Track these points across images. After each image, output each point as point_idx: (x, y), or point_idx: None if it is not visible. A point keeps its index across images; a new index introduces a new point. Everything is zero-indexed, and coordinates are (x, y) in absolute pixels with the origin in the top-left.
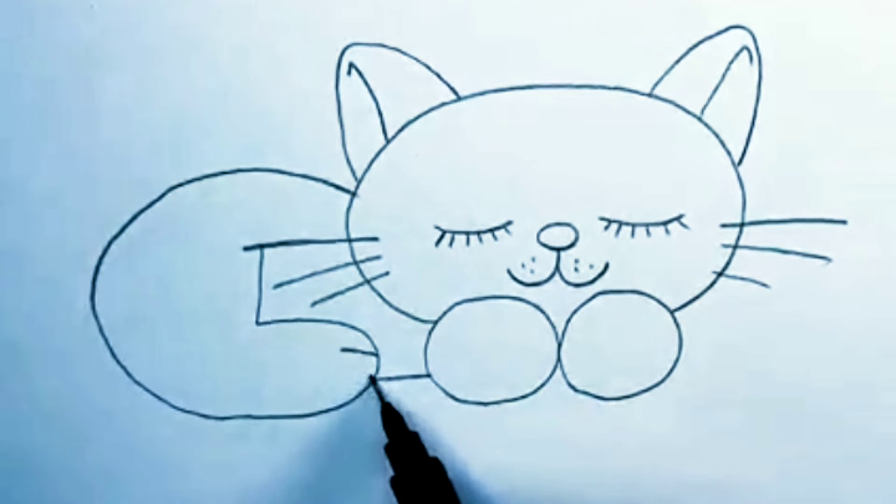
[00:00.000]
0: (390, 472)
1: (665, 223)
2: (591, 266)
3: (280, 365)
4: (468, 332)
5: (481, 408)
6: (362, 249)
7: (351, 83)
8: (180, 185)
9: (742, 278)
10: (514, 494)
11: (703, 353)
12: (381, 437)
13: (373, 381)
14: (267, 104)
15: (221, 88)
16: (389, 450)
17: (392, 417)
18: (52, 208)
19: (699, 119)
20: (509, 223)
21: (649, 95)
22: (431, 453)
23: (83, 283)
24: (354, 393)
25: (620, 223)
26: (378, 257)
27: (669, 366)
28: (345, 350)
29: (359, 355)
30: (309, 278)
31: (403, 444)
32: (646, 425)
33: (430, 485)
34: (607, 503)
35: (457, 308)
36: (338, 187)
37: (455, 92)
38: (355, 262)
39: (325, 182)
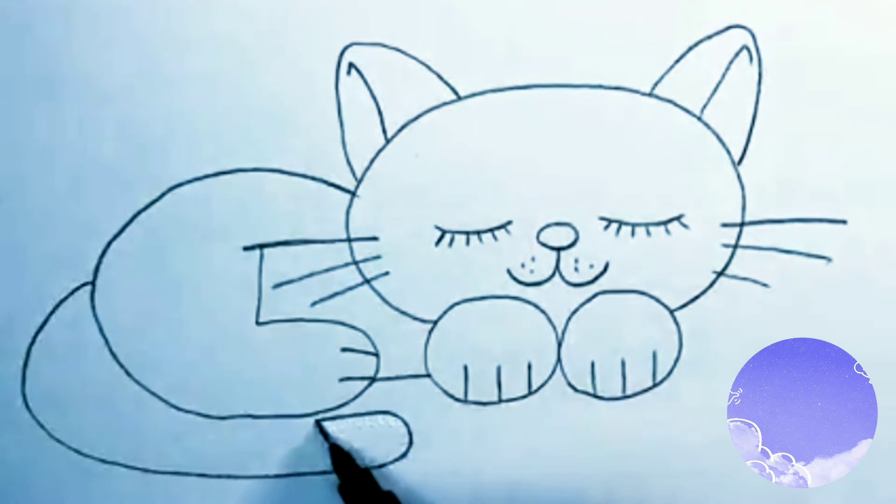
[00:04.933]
0: None
1: (665, 223)
2: (592, 266)
3: (280, 365)
4: (468, 332)
5: (481, 408)
6: (362, 249)
7: (351, 83)
8: (180, 185)
9: (742, 278)
10: (514, 494)
11: (703, 353)
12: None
13: (318, 424)
14: (267, 104)
15: (221, 88)
16: (343, 491)
17: (341, 457)
18: (51, 208)
19: (699, 119)
20: (509, 223)
21: (649, 95)
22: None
23: (83, 283)
24: (354, 393)
25: (620, 223)
26: (378, 257)
27: (669, 366)
28: (345, 350)
29: (359, 355)
30: (309, 278)
31: (356, 483)
32: (645, 425)
33: None
34: (607, 503)
35: (457, 308)
36: (338, 187)
37: (455, 92)
38: (355, 262)
39: (325, 182)
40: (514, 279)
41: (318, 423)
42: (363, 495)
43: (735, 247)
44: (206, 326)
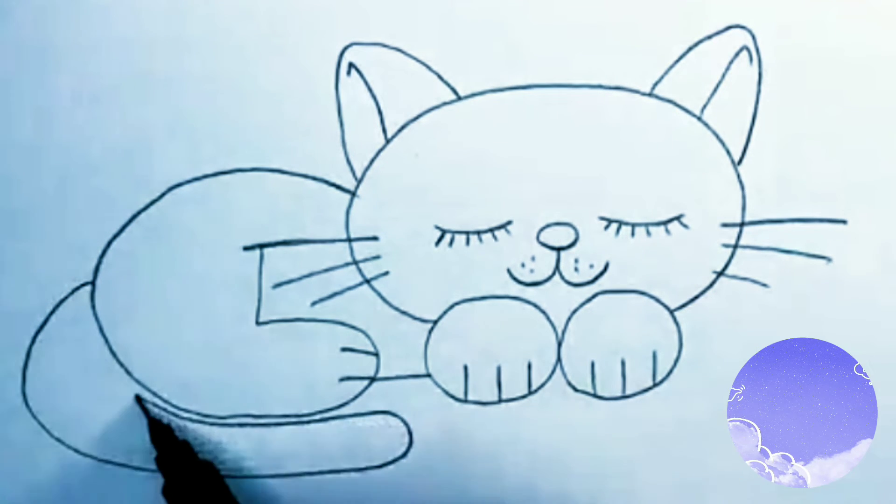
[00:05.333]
0: None
1: (665, 223)
2: (592, 266)
3: (280, 365)
4: (468, 332)
5: (481, 408)
6: (362, 249)
7: (351, 83)
8: (180, 185)
9: (742, 278)
10: (514, 494)
11: (703, 353)
12: None
13: (138, 399)
14: (267, 104)
15: (221, 88)
16: (159, 461)
17: (160, 431)
18: (52, 208)
19: (699, 119)
20: (509, 223)
21: (649, 95)
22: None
23: (83, 283)
24: (354, 393)
25: (620, 223)
26: (378, 257)
27: (669, 366)
28: (345, 350)
29: (359, 355)
30: (309, 278)
31: (174, 455)
32: (645, 425)
33: (204, 489)
34: (607, 503)
35: (457, 308)
36: (338, 187)
37: (455, 92)
38: (355, 262)
39: (325, 182)
40: (515, 279)
41: (138, 398)
42: (181, 466)
43: (735, 247)
44: (206, 326)
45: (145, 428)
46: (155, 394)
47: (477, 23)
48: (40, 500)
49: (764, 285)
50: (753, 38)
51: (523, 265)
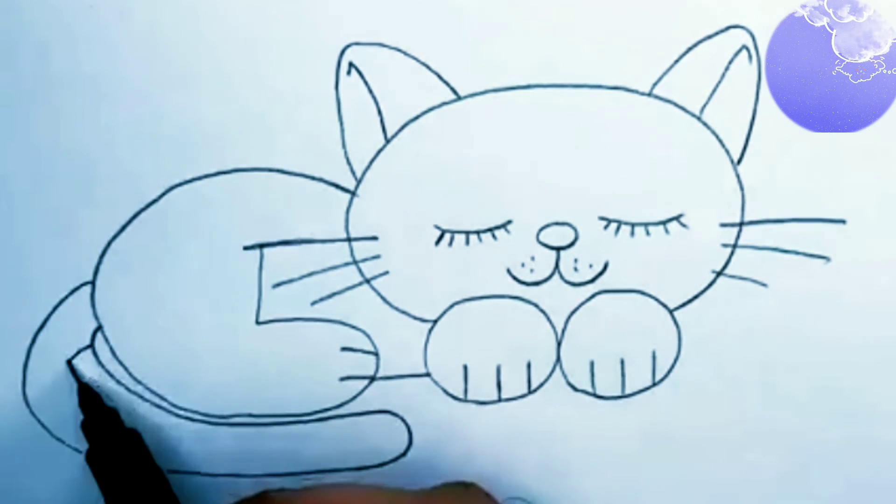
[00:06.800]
0: None
1: (664, 223)
2: (591, 265)
3: (280, 365)
4: (468, 332)
5: (481, 407)
6: (362, 249)
7: (351, 83)
8: (180, 185)
9: (741, 278)
10: (514, 493)
11: (703, 353)
12: None
13: (69, 363)
14: (267, 104)
15: (221, 88)
16: (85, 427)
17: (90, 396)
18: (51, 208)
19: (698, 119)
20: (509, 223)
21: (649, 95)
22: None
23: (83, 283)
24: (354, 392)
25: (620, 222)
26: (378, 257)
27: (669, 365)
28: (345, 350)
29: (359, 355)
30: (309, 278)
31: (101, 421)
32: (645, 425)
33: (127, 457)
34: (607, 503)
35: (457, 308)
36: (338, 187)
37: (455, 92)
38: (355, 262)
39: (325, 182)
40: (514, 278)
41: (69, 363)
42: (106, 432)
43: (734, 246)
44: (206, 326)
45: (145, 429)
46: (155, 392)
47: (477, 23)
48: (40, 501)
49: (763, 285)
50: (753, 37)
51: (523, 265)
